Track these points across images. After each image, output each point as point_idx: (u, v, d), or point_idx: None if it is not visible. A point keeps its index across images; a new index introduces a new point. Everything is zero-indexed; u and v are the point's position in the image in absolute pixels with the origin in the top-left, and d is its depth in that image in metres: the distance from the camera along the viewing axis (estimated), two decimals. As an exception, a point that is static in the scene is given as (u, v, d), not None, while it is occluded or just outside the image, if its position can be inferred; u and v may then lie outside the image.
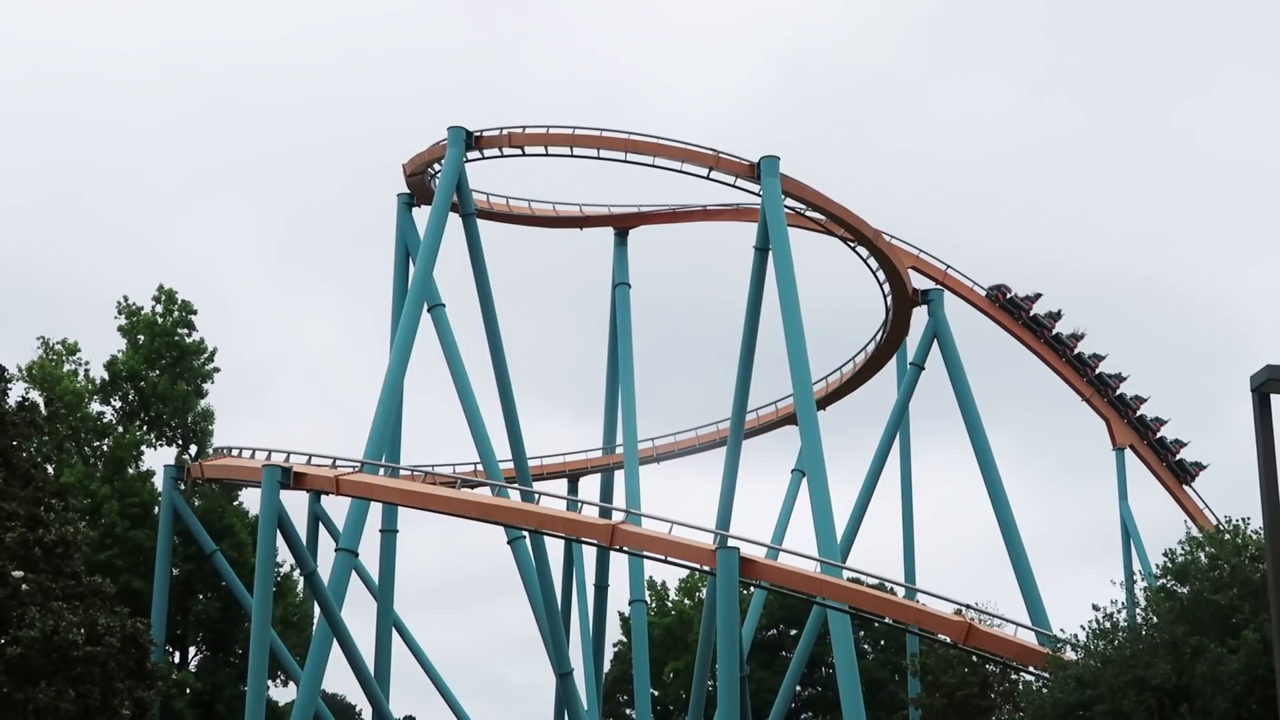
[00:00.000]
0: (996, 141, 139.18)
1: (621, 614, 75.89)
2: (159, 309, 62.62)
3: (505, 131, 57.66)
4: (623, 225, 66.08)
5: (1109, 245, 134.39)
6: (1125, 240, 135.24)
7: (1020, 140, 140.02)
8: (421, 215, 58.73)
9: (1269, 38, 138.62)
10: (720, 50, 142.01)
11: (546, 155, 58.73)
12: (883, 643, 78.29)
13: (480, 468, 58.10)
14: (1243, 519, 30.50)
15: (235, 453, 56.76)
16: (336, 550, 50.44)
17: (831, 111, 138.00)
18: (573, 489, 68.89)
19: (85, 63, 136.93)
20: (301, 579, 56.20)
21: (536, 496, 50.95)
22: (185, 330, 62.59)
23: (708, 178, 56.90)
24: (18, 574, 36.82)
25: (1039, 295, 67.93)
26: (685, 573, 74.28)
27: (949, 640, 41.28)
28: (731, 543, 42.63)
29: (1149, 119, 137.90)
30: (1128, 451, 69.19)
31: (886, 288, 61.51)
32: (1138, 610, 31.76)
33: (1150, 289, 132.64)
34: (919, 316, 62.19)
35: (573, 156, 58.32)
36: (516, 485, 55.47)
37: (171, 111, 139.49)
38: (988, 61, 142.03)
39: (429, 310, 55.50)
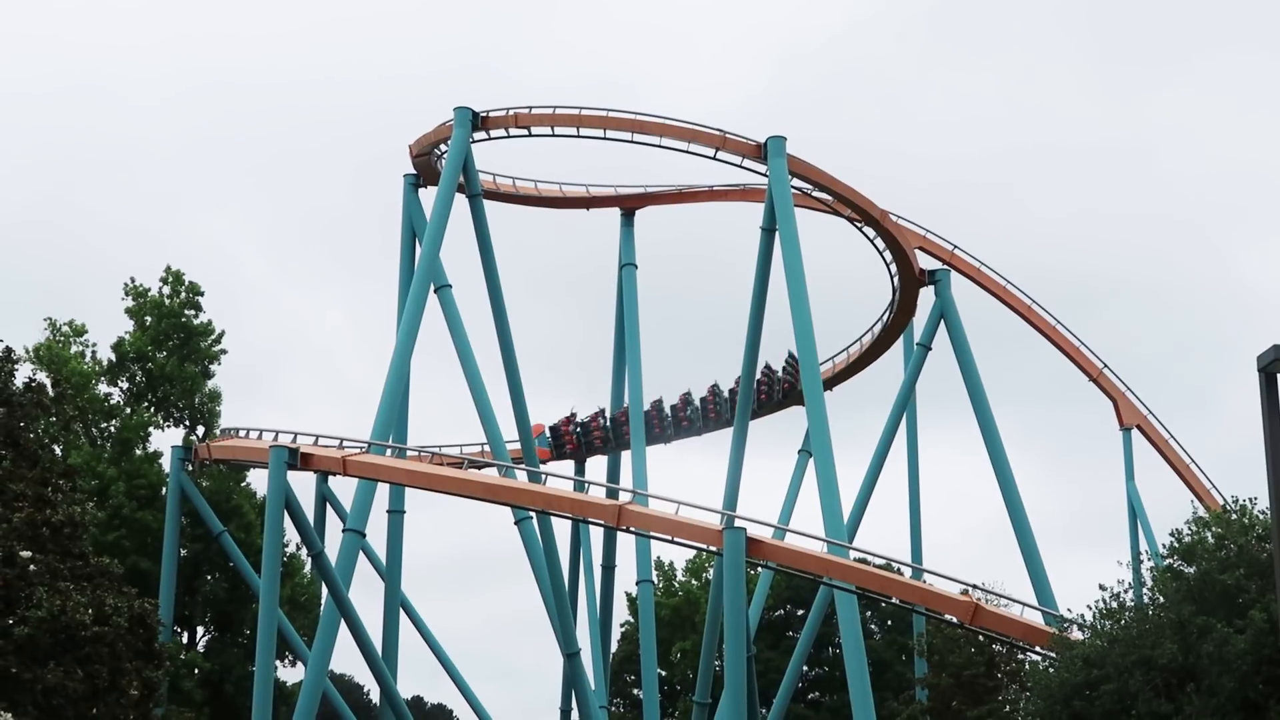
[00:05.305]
0: (992, 136, 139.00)
1: (628, 594, 76.02)
2: (166, 290, 62.62)
3: (511, 112, 57.44)
4: (629, 206, 65.97)
5: (1107, 232, 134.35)
6: (1123, 226, 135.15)
7: (1014, 134, 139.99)
8: (428, 196, 58.51)
9: (1258, 28, 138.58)
10: (720, 42, 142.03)
11: (553, 135, 58.42)
12: (889, 623, 78.33)
13: (487, 448, 58.10)
14: (1250, 499, 30.50)
15: (242, 434, 56.72)
16: (344, 531, 50.38)
17: (827, 104, 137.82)
18: (579, 469, 68.88)
19: (91, 46, 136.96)
20: (309, 559, 56.25)
21: (543, 477, 50.89)
22: (192, 311, 62.60)
23: (714, 158, 56.70)
24: (25, 554, 36.88)
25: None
26: (692, 553, 74.36)
27: (956, 620, 41.18)
28: (738, 523, 42.54)
29: (1144, 107, 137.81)
30: (1135, 431, 69.13)
31: (893, 268, 61.28)
32: (1144, 590, 31.70)
33: (1150, 273, 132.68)
34: (926, 297, 62.02)
35: (579, 137, 57.99)
36: (523, 466, 55.48)
37: (179, 95, 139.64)
38: (985, 52, 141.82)
39: (435, 291, 55.34)
